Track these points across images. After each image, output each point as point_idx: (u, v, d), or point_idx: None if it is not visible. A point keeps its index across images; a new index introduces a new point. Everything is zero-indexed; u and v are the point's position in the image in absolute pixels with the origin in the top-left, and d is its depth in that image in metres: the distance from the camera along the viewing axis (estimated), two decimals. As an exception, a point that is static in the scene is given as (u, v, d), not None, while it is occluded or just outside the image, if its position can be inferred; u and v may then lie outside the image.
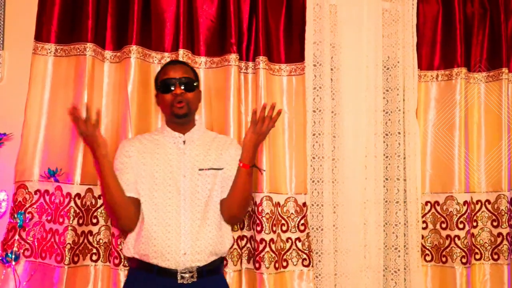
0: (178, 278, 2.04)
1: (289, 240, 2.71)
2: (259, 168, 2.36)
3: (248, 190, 2.19)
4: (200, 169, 2.15)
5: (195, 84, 2.21)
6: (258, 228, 2.60)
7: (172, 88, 2.14)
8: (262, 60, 2.70)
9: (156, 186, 2.12)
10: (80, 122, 2.00)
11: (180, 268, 2.04)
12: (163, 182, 2.12)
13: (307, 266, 2.70)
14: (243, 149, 2.16)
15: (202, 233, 2.09)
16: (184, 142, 2.19)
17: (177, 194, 2.11)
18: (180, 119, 2.18)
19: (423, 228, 2.89)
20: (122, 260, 2.46)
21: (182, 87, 2.15)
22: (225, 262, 2.52)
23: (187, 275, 2.05)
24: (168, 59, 2.66)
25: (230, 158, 2.21)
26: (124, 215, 2.10)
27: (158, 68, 2.65)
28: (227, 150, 2.23)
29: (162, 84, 2.18)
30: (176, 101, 2.14)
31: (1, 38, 2.65)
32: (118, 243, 2.47)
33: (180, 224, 2.07)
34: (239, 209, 2.20)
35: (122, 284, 2.37)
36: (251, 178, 2.18)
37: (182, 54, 2.63)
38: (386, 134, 2.92)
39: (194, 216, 2.10)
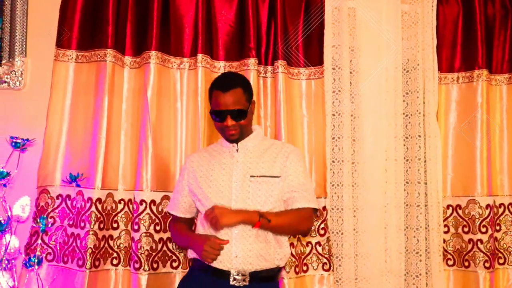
0: (231, 280, 2.05)
1: (309, 244, 2.70)
2: (267, 219, 2.06)
3: (288, 224, 2.13)
4: (251, 176, 2.13)
5: (246, 111, 2.13)
6: (278, 232, 2.59)
7: (224, 118, 2.11)
8: (281, 64, 2.70)
9: (210, 189, 2.15)
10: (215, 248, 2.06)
11: (233, 270, 2.06)
12: (217, 185, 2.15)
13: (328, 270, 2.68)
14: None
15: (255, 238, 2.07)
16: (237, 150, 2.19)
17: (228, 199, 2.11)
18: (234, 142, 2.19)
19: (445, 232, 2.86)
20: (143, 264, 2.48)
21: (234, 119, 2.12)
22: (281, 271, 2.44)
23: (239, 277, 2.05)
24: (187, 64, 2.68)
25: (290, 165, 2.17)
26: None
27: (177, 74, 2.68)
28: (285, 157, 2.18)
29: (215, 114, 2.14)
30: (228, 130, 2.14)
31: (24, 46, 2.69)
32: (138, 247, 2.49)
33: (232, 228, 2.06)
34: (297, 231, 2.36)
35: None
36: (280, 221, 2.09)
37: (201, 59, 2.64)
38: (406, 137, 2.89)
39: None
